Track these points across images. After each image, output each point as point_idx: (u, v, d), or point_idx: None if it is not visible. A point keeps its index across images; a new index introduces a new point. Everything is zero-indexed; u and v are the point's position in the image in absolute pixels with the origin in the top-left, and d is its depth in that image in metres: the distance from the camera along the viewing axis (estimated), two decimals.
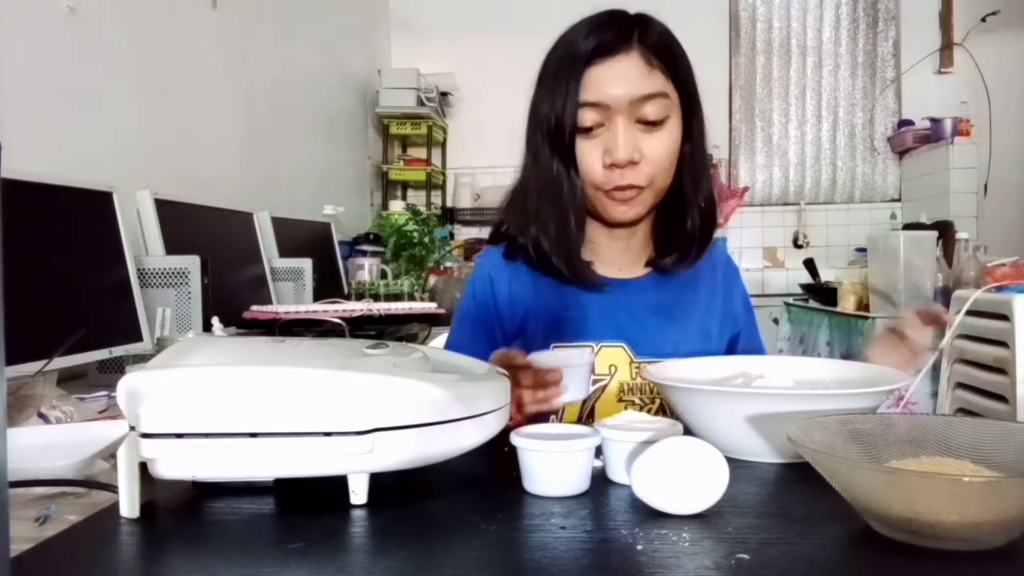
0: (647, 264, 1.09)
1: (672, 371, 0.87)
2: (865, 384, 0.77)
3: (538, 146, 1.01)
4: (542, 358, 0.88)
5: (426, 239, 3.38)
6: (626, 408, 1.01)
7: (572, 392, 0.87)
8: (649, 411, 1.02)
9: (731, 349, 1.12)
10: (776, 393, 0.77)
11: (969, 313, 2.15)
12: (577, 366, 0.88)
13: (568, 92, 0.96)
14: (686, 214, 1.04)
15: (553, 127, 0.97)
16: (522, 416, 0.86)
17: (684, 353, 1.02)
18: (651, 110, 0.96)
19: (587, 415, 1.03)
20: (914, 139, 4.32)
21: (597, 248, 1.07)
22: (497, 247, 1.11)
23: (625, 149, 0.95)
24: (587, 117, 0.96)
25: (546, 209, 1.01)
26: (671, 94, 0.98)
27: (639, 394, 1.03)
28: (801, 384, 0.86)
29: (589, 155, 0.98)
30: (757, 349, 1.14)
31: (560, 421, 1.01)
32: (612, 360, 1.03)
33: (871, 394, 0.73)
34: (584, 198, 1.00)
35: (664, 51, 0.98)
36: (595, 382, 1.02)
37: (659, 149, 0.97)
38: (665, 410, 0.99)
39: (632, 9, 1.01)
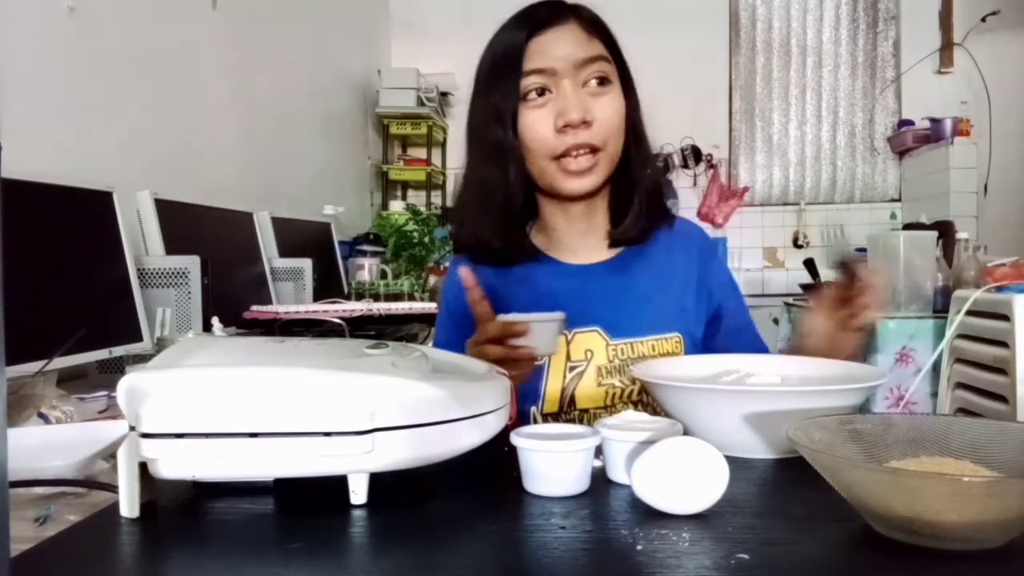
0: (611, 245, 1.09)
1: (660, 369, 0.87)
2: (848, 381, 0.77)
3: (482, 135, 1.02)
4: (511, 317, 0.89)
5: (426, 239, 3.38)
6: (605, 391, 1.02)
7: (541, 346, 0.87)
8: (629, 394, 1.02)
9: (714, 328, 1.11)
10: (763, 390, 0.78)
11: (969, 313, 2.15)
12: (546, 320, 0.88)
13: (512, 67, 0.98)
14: (636, 180, 1.05)
15: (498, 105, 0.99)
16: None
17: (662, 331, 1.03)
18: (595, 73, 0.99)
19: (568, 402, 1.02)
20: (914, 139, 4.32)
21: (557, 235, 1.08)
22: (462, 256, 1.11)
23: (577, 109, 0.96)
24: (533, 84, 0.98)
25: (485, 192, 1.02)
26: (611, 62, 1.01)
27: (618, 376, 1.03)
28: (788, 381, 0.86)
29: (539, 123, 0.99)
30: (747, 328, 1.13)
31: (540, 409, 1.01)
32: (588, 345, 1.03)
33: (857, 390, 0.74)
34: (525, 170, 1.01)
35: (598, 25, 1.02)
36: (572, 368, 1.02)
37: (608, 111, 0.99)
38: (646, 391, 0.99)
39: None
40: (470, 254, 1.07)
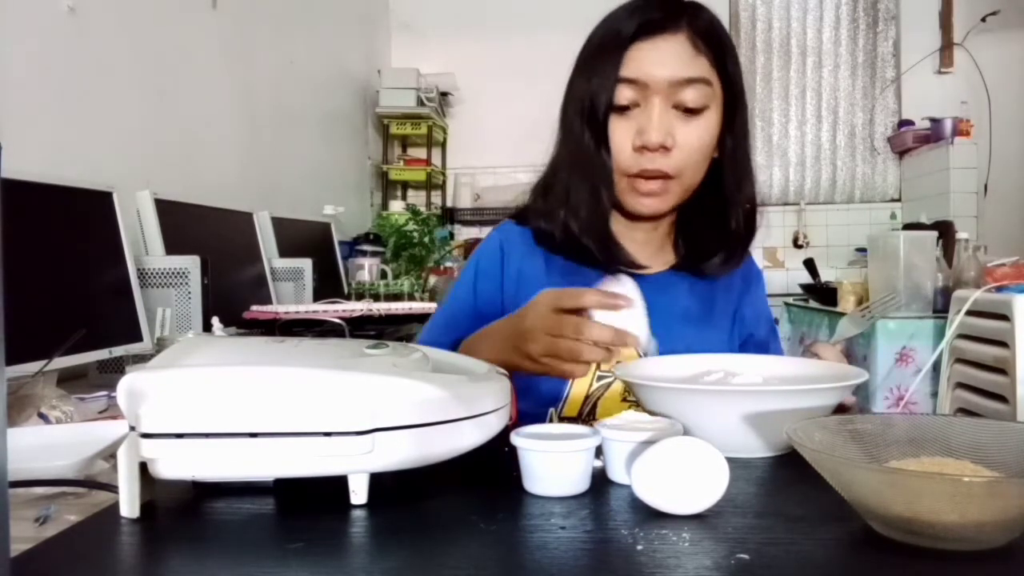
0: (672, 265, 1.05)
1: (641, 370, 0.86)
2: (830, 381, 0.78)
3: (571, 125, 0.97)
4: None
5: (426, 239, 3.38)
6: (630, 408, 0.99)
7: (640, 330, 0.78)
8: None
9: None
10: (755, 390, 0.78)
11: (969, 313, 2.15)
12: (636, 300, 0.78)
13: (608, 67, 0.93)
14: (730, 213, 1.00)
15: (589, 103, 0.95)
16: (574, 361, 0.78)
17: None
18: (691, 96, 0.93)
19: (588, 412, 0.99)
20: (914, 139, 4.32)
21: (615, 238, 1.03)
22: (518, 225, 1.06)
23: (658, 132, 0.92)
24: (623, 95, 0.93)
25: (577, 189, 0.97)
26: (714, 84, 0.95)
27: None
28: (770, 381, 0.85)
29: (620, 135, 0.94)
30: None
31: (560, 411, 0.99)
32: (621, 358, 0.98)
33: (844, 388, 0.75)
34: (612, 180, 0.96)
35: (713, 38, 0.95)
36: (600, 378, 0.99)
37: (693, 139, 0.94)
38: None
39: None
40: (539, 229, 1.02)
